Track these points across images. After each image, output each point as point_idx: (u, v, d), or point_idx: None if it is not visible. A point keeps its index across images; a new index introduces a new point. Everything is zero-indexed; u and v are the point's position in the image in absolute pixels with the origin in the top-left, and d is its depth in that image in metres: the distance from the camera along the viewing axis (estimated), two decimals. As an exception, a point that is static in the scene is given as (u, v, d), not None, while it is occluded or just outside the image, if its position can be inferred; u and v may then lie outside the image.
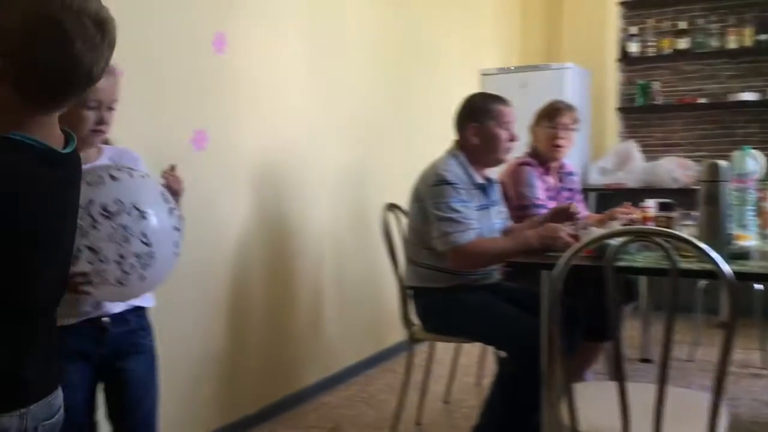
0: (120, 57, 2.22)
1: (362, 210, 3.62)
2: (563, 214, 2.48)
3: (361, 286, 3.67)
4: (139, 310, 1.74)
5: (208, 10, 2.66)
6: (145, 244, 1.43)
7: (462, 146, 2.60)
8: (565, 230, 2.29)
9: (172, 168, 1.76)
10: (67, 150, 1.11)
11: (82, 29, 1.03)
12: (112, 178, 1.45)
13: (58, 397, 1.15)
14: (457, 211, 2.43)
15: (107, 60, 1.10)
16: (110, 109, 1.65)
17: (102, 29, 1.06)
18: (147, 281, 1.49)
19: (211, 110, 2.70)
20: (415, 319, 2.69)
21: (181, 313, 2.58)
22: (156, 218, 1.47)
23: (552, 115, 3.01)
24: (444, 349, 3.15)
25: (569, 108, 3.06)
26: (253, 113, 2.91)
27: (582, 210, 3.22)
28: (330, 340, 3.45)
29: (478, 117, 2.56)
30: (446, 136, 2.68)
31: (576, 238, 2.19)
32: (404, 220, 2.76)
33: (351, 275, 3.60)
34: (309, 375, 3.30)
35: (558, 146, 3.00)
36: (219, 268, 2.77)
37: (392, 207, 2.88)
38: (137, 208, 1.43)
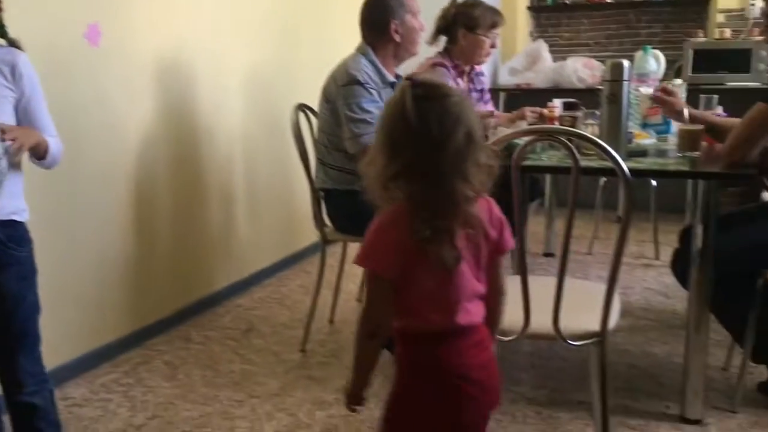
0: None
1: (273, 110, 3.54)
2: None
3: (272, 188, 3.64)
4: (6, 223, 1.63)
5: None
6: None
7: (376, 44, 2.55)
8: None
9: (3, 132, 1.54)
10: None
11: None
12: None
13: None
14: (368, 112, 2.40)
15: None
16: None
17: None
18: None
19: (103, 1, 2.51)
20: (327, 220, 2.70)
21: (82, 218, 2.49)
22: None
23: (493, 24, 2.96)
24: (357, 249, 3.19)
25: (503, 18, 3.03)
26: (150, 6, 2.73)
27: (490, 110, 3.26)
28: (242, 243, 3.43)
29: (396, 13, 2.51)
30: (357, 33, 2.62)
31: (485, 138, 2.22)
32: (315, 121, 2.72)
33: (262, 177, 3.55)
34: (222, 278, 3.29)
35: (488, 55, 3.00)
36: (121, 170, 2.67)
37: (303, 108, 2.81)
38: None
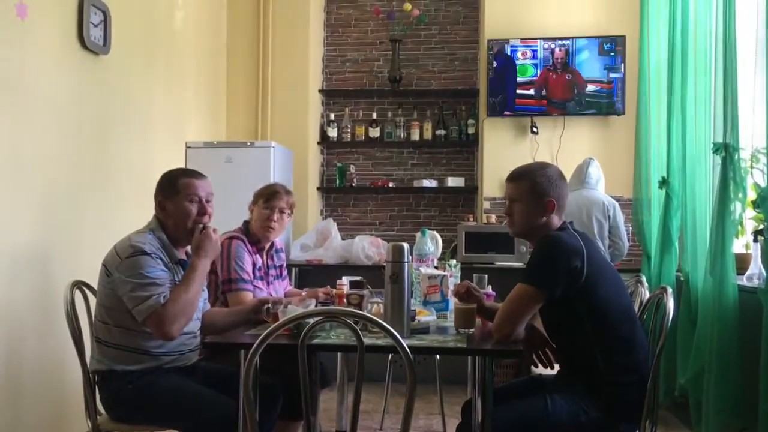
0: None
1: (47, 290, 3.26)
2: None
3: (40, 375, 3.26)
4: None
5: None
6: None
7: (163, 220, 2.51)
8: None
9: None
10: None
11: None
12: None
13: None
14: (156, 276, 2.32)
15: None
16: None
17: None
18: None
19: None
20: (102, 407, 2.45)
21: None
22: None
23: (269, 197, 3.07)
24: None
25: (287, 193, 3.15)
26: None
27: (286, 286, 3.31)
28: (-2, 438, 2.99)
29: (166, 192, 2.50)
30: (149, 209, 2.56)
31: (275, 317, 2.22)
32: (94, 300, 2.55)
33: (29, 363, 3.18)
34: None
35: (270, 228, 3.05)
36: None
37: (79, 284, 2.64)
38: None
